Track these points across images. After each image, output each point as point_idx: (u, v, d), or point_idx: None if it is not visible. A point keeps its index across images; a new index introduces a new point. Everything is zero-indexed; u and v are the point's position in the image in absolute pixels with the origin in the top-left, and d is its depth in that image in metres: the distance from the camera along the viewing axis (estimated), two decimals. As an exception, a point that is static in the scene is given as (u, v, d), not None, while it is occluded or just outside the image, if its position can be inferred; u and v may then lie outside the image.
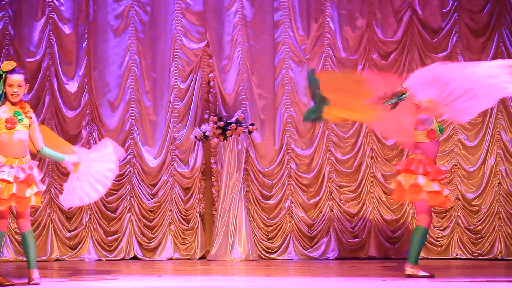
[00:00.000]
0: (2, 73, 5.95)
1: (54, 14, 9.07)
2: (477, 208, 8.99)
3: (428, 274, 6.45)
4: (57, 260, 8.89)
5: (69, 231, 8.91)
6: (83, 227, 8.95)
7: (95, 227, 8.97)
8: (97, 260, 8.87)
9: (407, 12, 9.11)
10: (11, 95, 5.93)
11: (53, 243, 8.91)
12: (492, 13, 9.03)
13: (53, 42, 9.06)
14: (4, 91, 5.96)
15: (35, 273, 5.93)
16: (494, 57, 8.96)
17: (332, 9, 9.18)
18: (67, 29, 9.09)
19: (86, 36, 9.07)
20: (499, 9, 9.01)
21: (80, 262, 8.66)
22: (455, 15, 9.08)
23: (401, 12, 9.12)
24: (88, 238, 8.94)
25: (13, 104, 5.96)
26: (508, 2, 9.01)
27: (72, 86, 9.09)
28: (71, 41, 9.06)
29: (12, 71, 5.95)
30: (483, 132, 9.03)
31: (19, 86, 5.95)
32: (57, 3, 9.08)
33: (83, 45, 9.09)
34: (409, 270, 6.47)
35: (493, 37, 9.03)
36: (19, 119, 5.93)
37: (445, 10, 9.09)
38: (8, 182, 5.80)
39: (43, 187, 6.07)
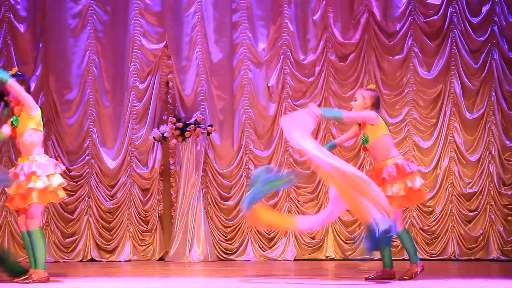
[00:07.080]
0: None
1: (9, 13, 8.93)
2: (431, 209, 9.13)
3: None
4: (14, 261, 8.75)
5: (26, 233, 8.77)
6: (40, 228, 8.82)
7: (52, 228, 8.87)
8: (54, 262, 8.77)
9: (364, 15, 9.22)
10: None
11: (9, 245, 8.78)
12: (445, 17, 9.21)
13: (9, 42, 8.92)
14: None
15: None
16: (448, 60, 9.17)
17: (290, 11, 9.24)
18: (23, 28, 8.96)
19: (43, 35, 8.96)
20: (453, 13, 9.20)
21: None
22: (410, 18, 9.23)
23: (359, 15, 9.23)
24: (46, 240, 8.81)
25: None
26: (461, 7, 9.20)
27: (29, 86, 8.96)
28: (28, 41, 8.92)
29: None
30: (437, 134, 9.18)
31: None
32: (12, 2, 8.93)
33: (40, 45, 8.97)
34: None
35: (447, 40, 9.20)
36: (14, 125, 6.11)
37: (400, 14, 9.23)
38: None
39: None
